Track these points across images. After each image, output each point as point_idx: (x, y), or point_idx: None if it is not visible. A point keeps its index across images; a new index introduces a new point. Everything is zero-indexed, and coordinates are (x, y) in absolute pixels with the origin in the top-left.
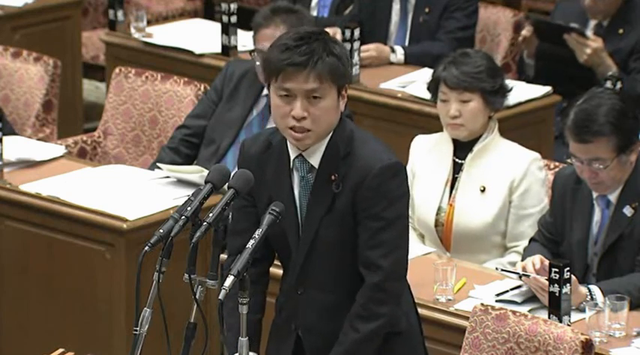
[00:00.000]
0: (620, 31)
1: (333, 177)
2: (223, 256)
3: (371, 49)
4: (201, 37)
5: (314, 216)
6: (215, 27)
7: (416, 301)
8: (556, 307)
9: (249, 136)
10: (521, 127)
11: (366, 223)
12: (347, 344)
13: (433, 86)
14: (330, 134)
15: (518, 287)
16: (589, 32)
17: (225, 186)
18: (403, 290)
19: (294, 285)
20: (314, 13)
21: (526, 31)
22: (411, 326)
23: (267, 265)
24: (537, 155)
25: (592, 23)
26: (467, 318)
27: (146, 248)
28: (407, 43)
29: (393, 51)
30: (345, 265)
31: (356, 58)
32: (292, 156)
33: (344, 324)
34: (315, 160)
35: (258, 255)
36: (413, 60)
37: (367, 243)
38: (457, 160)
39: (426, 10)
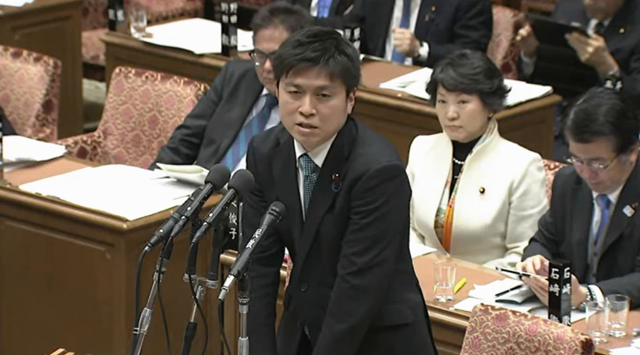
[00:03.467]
0: (622, 30)
1: (333, 177)
2: (223, 256)
3: (407, 32)
4: (201, 37)
5: (315, 214)
6: (215, 27)
7: None
8: (556, 307)
9: (258, 134)
10: (521, 127)
11: (353, 219)
12: (322, 345)
13: (431, 88)
14: (335, 135)
15: (518, 287)
16: (590, 31)
17: (225, 186)
18: (375, 288)
19: (297, 282)
20: (314, 14)
21: (524, 31)
22: (419, 321)
23: (279, 264)
24: (537, 156)
25: (593, 22)
26: (467, 318)
27: (146, 248)
28: None
29: (421, 45)
30: None
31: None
32: (298, 154)
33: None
34: (319, 160)
35: (274, 250)
36: (434, 61)
37: (349, 237)
38: (456, 161)
39: (432, 8)
